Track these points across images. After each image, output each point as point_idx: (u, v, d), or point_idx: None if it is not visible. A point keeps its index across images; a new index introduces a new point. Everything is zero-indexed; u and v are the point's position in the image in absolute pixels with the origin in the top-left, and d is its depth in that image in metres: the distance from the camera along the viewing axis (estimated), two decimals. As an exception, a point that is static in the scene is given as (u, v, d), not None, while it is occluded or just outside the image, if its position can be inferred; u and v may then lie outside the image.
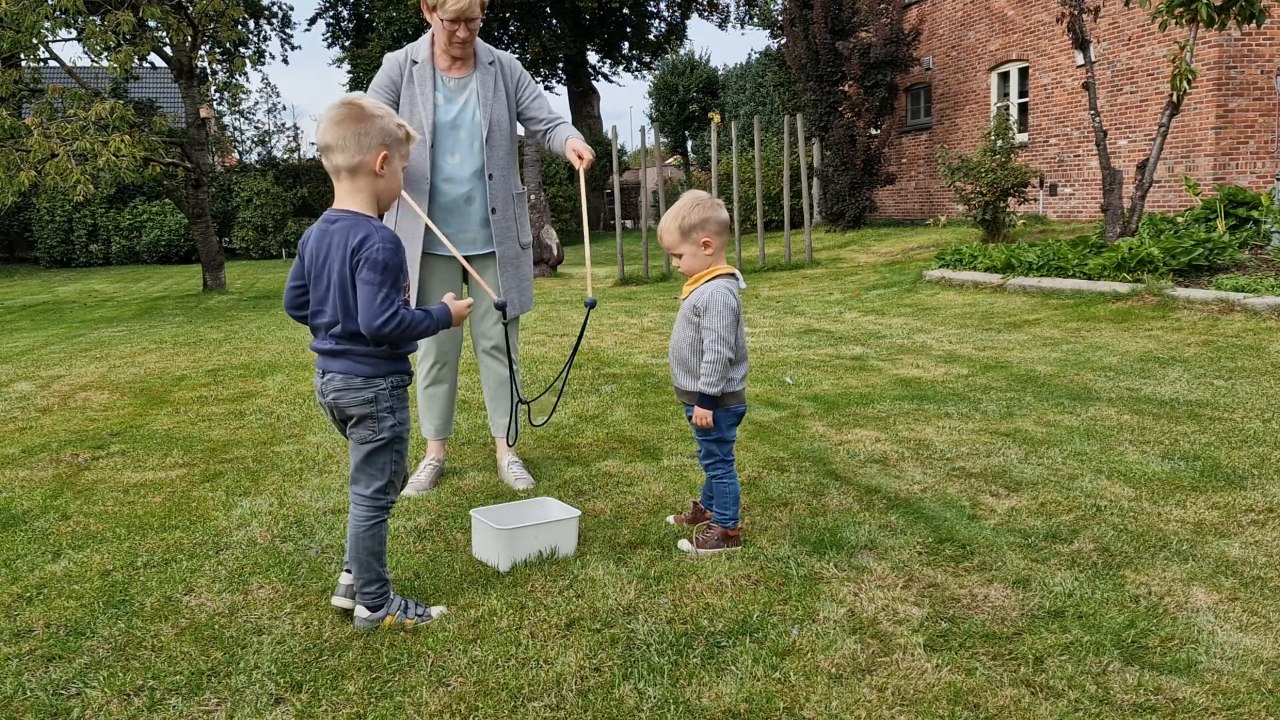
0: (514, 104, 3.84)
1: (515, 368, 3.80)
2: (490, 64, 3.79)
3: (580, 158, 3.57)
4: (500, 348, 3.90)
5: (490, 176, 3.73)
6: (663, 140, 28.49)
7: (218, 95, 24.38)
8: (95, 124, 11.49)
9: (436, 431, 3.95)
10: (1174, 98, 9.14)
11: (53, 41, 13.23)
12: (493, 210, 3.74)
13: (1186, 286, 7.63)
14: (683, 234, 2.95)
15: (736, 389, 2.99)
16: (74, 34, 13.40)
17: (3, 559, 3.08)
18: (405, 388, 2.51)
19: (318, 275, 2.41)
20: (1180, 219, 10.12)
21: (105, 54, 12.89)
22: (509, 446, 3.92)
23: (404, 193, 3.61)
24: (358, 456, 2.50)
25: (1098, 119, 10.23)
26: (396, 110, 3.65)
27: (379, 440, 2.46)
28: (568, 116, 6.47)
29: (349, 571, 2.57)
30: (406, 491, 3.66)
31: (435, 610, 2.54)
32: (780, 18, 21.02)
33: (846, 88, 17.80)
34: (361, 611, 2.49)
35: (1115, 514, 3.16)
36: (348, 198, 2.41)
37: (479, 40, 3.75)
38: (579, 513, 3.04)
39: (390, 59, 3.71)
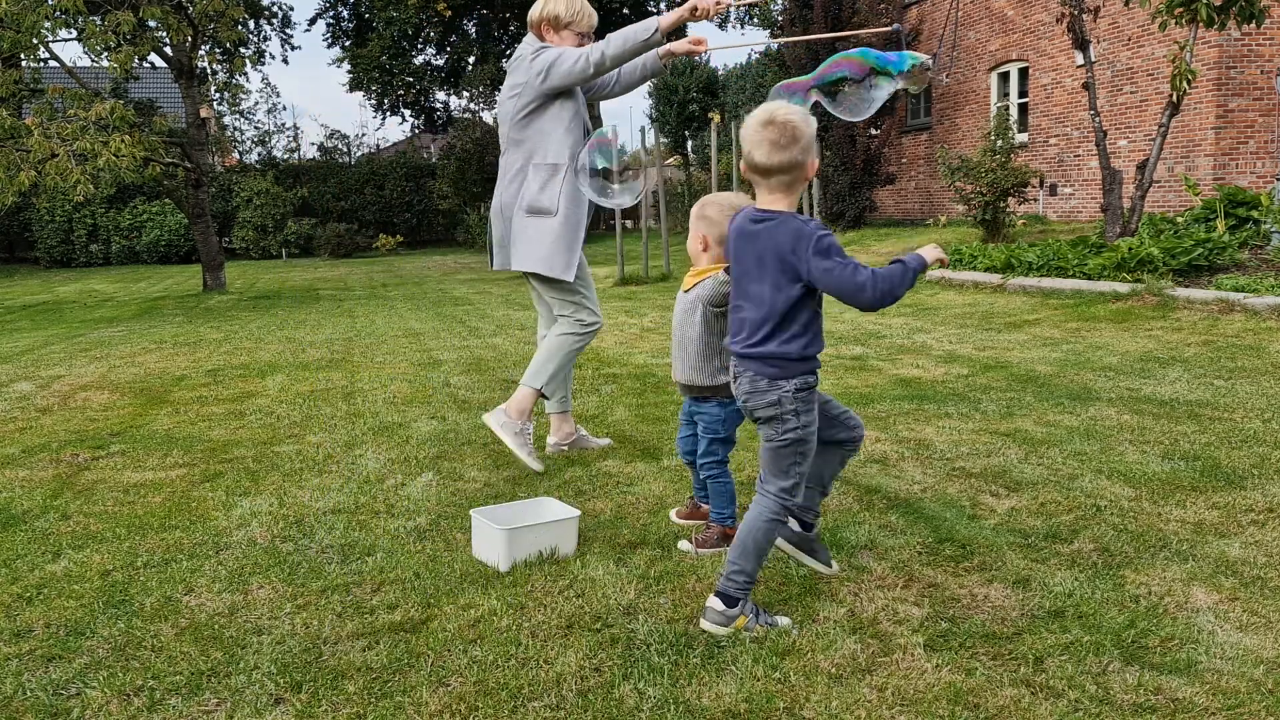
0: None
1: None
2: None
3: (698, 43, 3.76)
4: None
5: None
6: (663, 140, 28.47)
7: (218, 95, 24.39)
8: (95, 124, 11.48)
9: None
10: (1174, 98, 9.13)
11: (53, 41, 13.23)
12: None
13: (1186, 286, 7.63)
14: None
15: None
16: (74, 34, 13.39)
17: (3, 559, 3.08)
18: (812, 390, 2.46)
19: (748, 272, 2.42)
20: (1180, 219, 10.12)
21: (105, 54, 12.89)
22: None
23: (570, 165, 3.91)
24: (764, 454, 2.48)
25: (1098, 119, 10.23)
26: (558, 95, 3.93)
27: (784, 441, 2.43)
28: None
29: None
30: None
31: (783, 619, 2.42)
32: (780, 18, 21.00)
33: (846, 88, 17.78)
34: (716, 603, 2.38)
35: (1115, 514, 3.16)
36: (773, 201, 2.43)
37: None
38: (579, 513, 3.04)
39: None
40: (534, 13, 4.00)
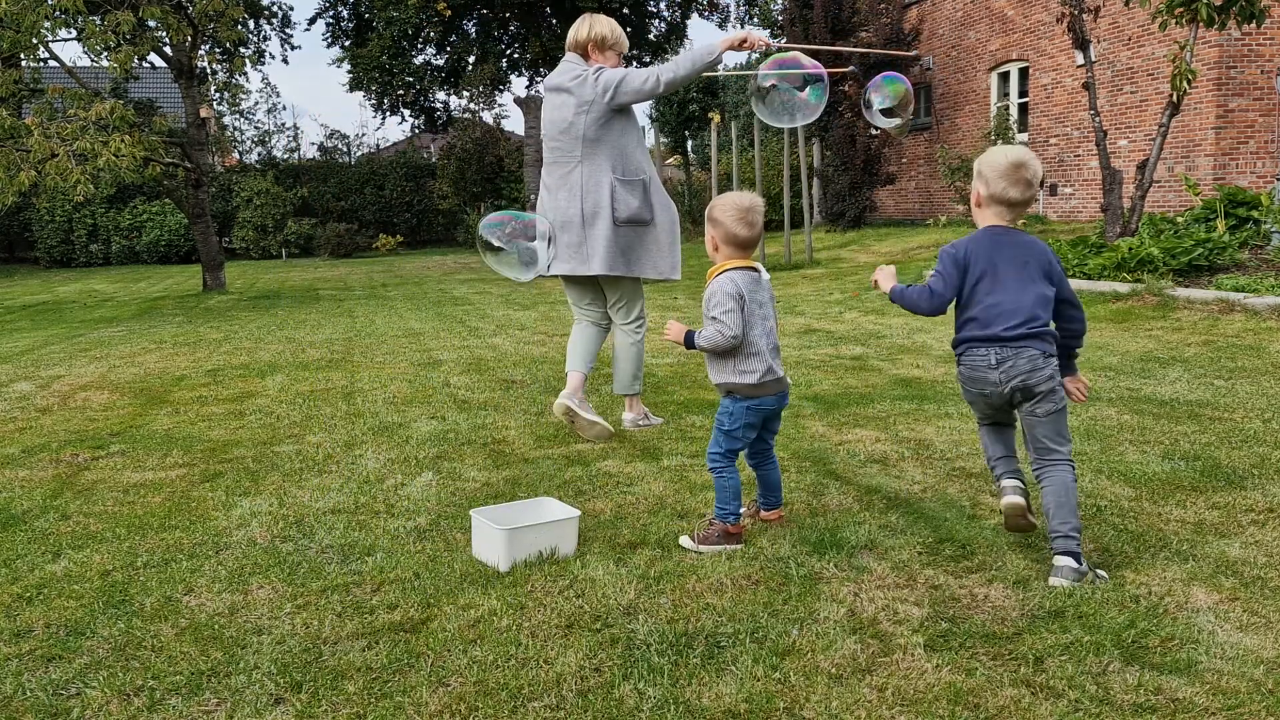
0: None
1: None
2: None
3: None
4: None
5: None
6: (663, 140, 28.48)
7: (218, 95, 24.36)
8: (95, 124, 11.47)
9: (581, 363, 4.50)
10: (1174, 98, 9.13)
11: (53, 41, 13.23)
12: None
13: (1186, 286, 7.63)
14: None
15: (752, 381, 3.01)
16: (74, 34, 13.39)
17: (3, 559, 3.08)
18: None
19: (1009, 271, 2.79)
20: (1180, 219, 10.11)
21: (105, 54, 12.89)
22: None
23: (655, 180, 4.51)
24: (1046, 428, 2.78)
25: (1098, 119, 10.23)
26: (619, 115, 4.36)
27: (1061, 405, 2.78)
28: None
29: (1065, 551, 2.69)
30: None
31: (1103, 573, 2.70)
32: (780, 18, 21.02)
33: (846, 88, 17.79)
34: (1069, 561, 2.65)
35: (1115, 514, 3.16)
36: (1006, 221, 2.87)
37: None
38: (579, 513, 3.05)
39: None
40: (579, 34, 4.34)
